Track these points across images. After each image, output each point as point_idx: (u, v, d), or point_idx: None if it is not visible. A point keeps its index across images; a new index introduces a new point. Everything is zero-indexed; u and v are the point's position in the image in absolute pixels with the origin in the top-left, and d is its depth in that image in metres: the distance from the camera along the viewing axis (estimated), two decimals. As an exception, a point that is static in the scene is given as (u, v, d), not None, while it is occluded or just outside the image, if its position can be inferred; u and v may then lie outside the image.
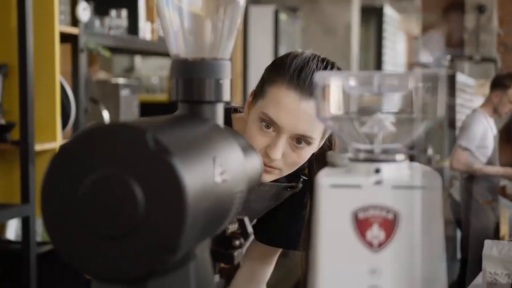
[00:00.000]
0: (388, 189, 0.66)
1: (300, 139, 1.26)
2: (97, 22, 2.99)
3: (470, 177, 4.50)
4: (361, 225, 0.66)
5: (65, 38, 2.66)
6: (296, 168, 1.32)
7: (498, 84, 4.49)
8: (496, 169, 4.58)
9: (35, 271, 2.44)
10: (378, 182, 0.66)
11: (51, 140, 2.53)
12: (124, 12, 3.09)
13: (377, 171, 0.67)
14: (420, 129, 0.69)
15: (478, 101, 8.67)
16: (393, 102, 0.71)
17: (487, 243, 1.94)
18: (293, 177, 1.41)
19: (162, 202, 0.59)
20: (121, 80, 3.25)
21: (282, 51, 6.13)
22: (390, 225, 0.66)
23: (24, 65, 2.37)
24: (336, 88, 0.69)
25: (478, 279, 2.12)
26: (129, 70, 5.88)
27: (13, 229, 2.66)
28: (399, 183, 0.66)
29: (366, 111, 0.71)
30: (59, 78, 2.56)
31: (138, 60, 5.99)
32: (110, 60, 4.39)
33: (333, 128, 0.70)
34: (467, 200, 4.55)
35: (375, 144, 0.69)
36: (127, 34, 3.15)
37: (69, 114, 2.61)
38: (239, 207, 0.76)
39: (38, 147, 2.45)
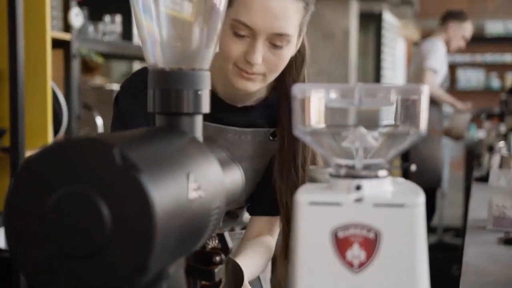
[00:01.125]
0: (369, 207, 0.63)
1: (277, 40, 1.23)
2: (90, 28, 2.97)
3: None
4: (341, 244, 0.64)
5: (58, 43, 2.64)
6: (279, 71, 1.28)
7: (455, 16, 4.55)
8: (452, 99, 4.72)
9: (25, 280, 2.41)
10: (359, 200, 0.64)
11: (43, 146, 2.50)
12: (118, 18, 3.07)
13: (358, 188, 0.64)
14: (403, 144, 0.66)
15: (400, 41, 8.75)
16: (377, 115, 0.68)
17: (494, 172, 1.80)
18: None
19: (129, 221, 0.56)
20: (115, 86, 3.23)
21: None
22: (371, 245, 0.63)
23: (15, 71, 2.35)
24: (316, 100, 0.66)
25: (480, 214, 1.92)
26: (127, 76, 5.85)
27: (2, 237, 2.64)
28: (381, 200, 0.64)
29: (347, 124, 0.69)
30: (51, 84, 2.53)
31: (136, 65, 5.97)
32: (108, 66, 4.37)
33: (312, 142, 0.67)
34: None
35: (356, 159, 0.66)
36: (121, 40, 3.13)
37: (61, 121, 2.58)
38: (217, 223, 0.73)
39: (29, 154, 2.42)
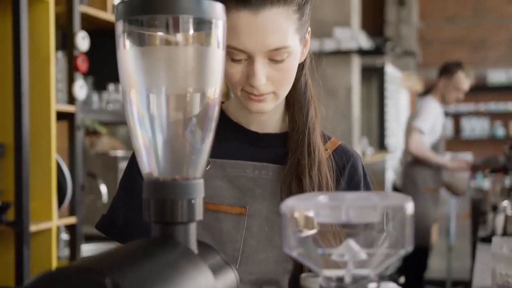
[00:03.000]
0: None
1: (276, 55, 1.14)
2: (95, 97, 3.02)
3: (414, 162, 4.48)
4: None
5: (62, 115, 2.68)
6: (290, 84, 1.20)
7: (444, 71, 4.59)
8: (445, 161, 4.60)
9: None
10: (348, 316, 0.65)
11: (47, 219, 2.52)
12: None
13: (347, 303, 0.65)
14: (390, 259, 0.67)
15: (404, 92, 8.79)
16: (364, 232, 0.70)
17: (496, 240, 1.77)
18: None
19: None
20: (120, 153, 3.26)
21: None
22: None
23: (20, 145, 2.38)
24: (303, 216, 0.68)
25: (485, 281, 1.88)
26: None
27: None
28: (370, 317, 0.65)
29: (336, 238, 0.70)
30: (55, 157, 2.56)
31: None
32: (112, 131, 4.42)
33: (300, 256, 0.68)
34: (408, 185, 4.54)
35: (345, 272, 0.68)
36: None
37: (65, 192, 2.60)
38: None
39: (33, 227, 2.44)
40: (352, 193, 0.73)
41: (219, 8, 0.78)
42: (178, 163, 0.80)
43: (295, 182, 1.22)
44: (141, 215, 1.03)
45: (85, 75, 2.84)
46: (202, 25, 0.77)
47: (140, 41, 0.76)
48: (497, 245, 1.83)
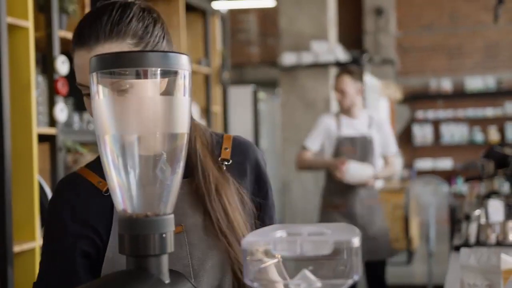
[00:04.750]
0: None
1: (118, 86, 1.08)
2: (76, 117, 3.07)
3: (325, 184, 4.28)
4: None
5: (44, 137, 2.74)
6: None
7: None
8: (323, 161, 4.26)
9: None
10: None
11: (30, 239, 2.58)
12: (102, 106, 3.19)
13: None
14: (342, 287, 0.75)
15: (383, 100, 8.92)
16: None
17: (464, 251, 1.81)
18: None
19: None
20: (101, 171, 3.30)
21: (263, 128, 6.25)
22: None
23: (2, 168, 2.44)
24: (262, 250, 0.75)
25: None
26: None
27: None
28: None
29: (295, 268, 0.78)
30: (37, 178, 2.62)
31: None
32: (94, 149, 4.46)
33: (262, 287, 0.76)
34: (319, 208, 4.30)
35: (302, 300, 0.75)
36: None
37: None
38: None
39: (16, 248, 2.49)
40: (306, 227, 0.80)
41: (185, 59, 0.85)
42: (150, 200, 0.87)
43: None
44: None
45: (65, 96, 2.90)
46: (169, 75, 0.85)
47: (112, 91, 0.83)
48: (465, 256, 1.89)
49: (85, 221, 1.25)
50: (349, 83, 4.14)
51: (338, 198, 4.20)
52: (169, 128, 0.85)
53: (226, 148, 1.33)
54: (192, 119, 1.30)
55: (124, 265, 0.85)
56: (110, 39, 1.19)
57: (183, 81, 0.86)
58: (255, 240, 0.76)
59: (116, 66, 0.83)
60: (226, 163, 1.30)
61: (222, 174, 1.28)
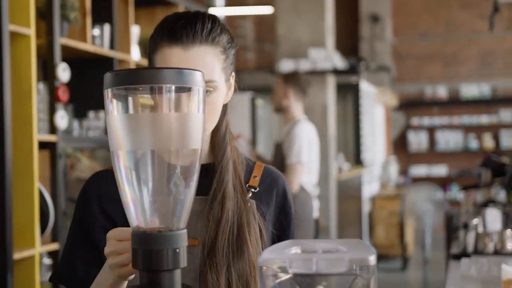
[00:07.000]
0: None
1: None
2: (76, 124, 3.08)
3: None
4: None
5: (44, 144, 2.74)
6: (215, 120, 1.25)
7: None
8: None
9: None
10: None
11: (30, 246, 2.57)
12: (102, 114, 3.19)
13: None
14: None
15: (379, 107, 8.93)
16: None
17: (464, 261, 1.80)
18: None
19: None
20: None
21: (260, 135, 6.26)
22: None
23: (3, 175, 2.44)
24: (278, 268, 0.76)
25: None
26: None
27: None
28: None
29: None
30: (38, 185, 2.62)
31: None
32: (93, 154, 4.46)
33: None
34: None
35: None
36: (105, 134, 3.24)
37: (47, 219, 2.65)
38: None
39: (16, 255, 2.49)
40: (320, 243, 0.80)
41: (199, 76, 0.86)
42: (164, 215, 0.87)
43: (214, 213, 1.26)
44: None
45: (66, 103, 2.90)
46: (183, 92, 0.85)
47: (127, 108, 0.83)
48: (466, 266, 1.89)
49: (109, 216, 1.25)
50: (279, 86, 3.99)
51: None
52: (183, 144, 0.86)
53: (255, 176, 1.34)
54: (226, 131, 1.31)
55: None
56: (206, 43, 1.21)
57: (197, 97, 0.86)
58: (271, 258, 0.77)
59: (131, 83, 0.84)
60: (253, 190, 1.31)
61: (244, 201, 1.28)
